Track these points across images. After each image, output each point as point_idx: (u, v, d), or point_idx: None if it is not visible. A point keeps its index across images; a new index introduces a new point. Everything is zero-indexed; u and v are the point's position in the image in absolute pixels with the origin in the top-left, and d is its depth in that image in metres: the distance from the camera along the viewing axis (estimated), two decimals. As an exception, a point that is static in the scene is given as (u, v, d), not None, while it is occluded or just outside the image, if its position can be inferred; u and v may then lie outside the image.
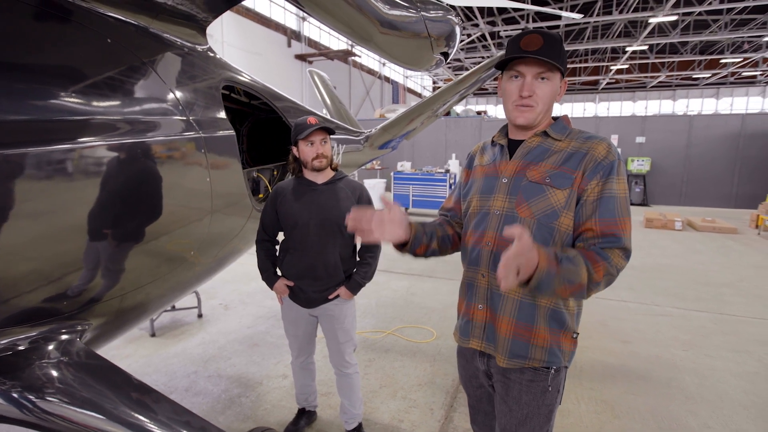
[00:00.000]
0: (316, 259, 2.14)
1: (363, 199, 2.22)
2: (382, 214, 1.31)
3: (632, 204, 12.22)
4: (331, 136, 2.18)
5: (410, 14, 2.12)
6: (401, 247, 1.42)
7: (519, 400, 1.33)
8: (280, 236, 2.33)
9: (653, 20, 17.22)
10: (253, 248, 2.36)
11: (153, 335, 3.68)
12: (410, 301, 4.65)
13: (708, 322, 4.16)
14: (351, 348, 2.32)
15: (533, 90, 1.26)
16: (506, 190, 1.32)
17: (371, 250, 2.26)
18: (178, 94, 1.94)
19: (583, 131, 1.33)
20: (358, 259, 2.29)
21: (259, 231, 2.29)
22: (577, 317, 1.35)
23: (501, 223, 1.31)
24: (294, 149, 2.16)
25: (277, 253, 2.31)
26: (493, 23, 20.94)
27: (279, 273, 2.29)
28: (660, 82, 33.43)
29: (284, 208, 2.16)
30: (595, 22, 19.12)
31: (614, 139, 12.54)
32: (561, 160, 1.27)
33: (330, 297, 2.19)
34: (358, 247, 2.30)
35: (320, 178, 2.17)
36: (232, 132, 2.23)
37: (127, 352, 3.41)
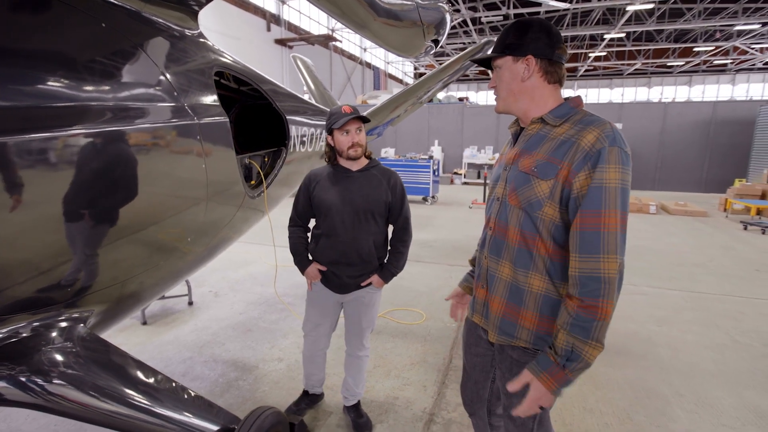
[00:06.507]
0: (349, 245, 2.15)
1: (395, 184, 2.21)
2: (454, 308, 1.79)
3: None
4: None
5: (406, 3, 2.15)
6: None
7: (511, 371, 1.40)
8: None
9: (630, 8, 17.55)
10: (244, 237, 2.35)
11: (144, 323, 3.68)
12: (399, 285, 4.74)
13: (681, 299, 4.40)
14: (369, 332, 2.37)
15: (495, 81, 1.39)
16: (505, 178, 1.39)
17: (402, 240, 2.26)
18: (173, 79, 1.92)
19: (589, 115, 1.27)
20: (389, 247, 2.30)
21: (292, 216, 2.29)
22: None
23: (499, 210, 1.39)
24: (329, 138, 2.17)
25: (309, 239, 2.32)
26: (474, 9, 20.92)
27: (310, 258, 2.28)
28: (636, 69, 34.12)
29: (319, 194, 2.16)
30: (574, 8, 19.32)
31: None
32: (552, 149, 1.25)
33: (362, 284, 2.22)
34: (389, 235, 2.31)
35: (355, 166, 2.18)
36: (226, 118, 2.24)
37: (119, 340, 3.40)
